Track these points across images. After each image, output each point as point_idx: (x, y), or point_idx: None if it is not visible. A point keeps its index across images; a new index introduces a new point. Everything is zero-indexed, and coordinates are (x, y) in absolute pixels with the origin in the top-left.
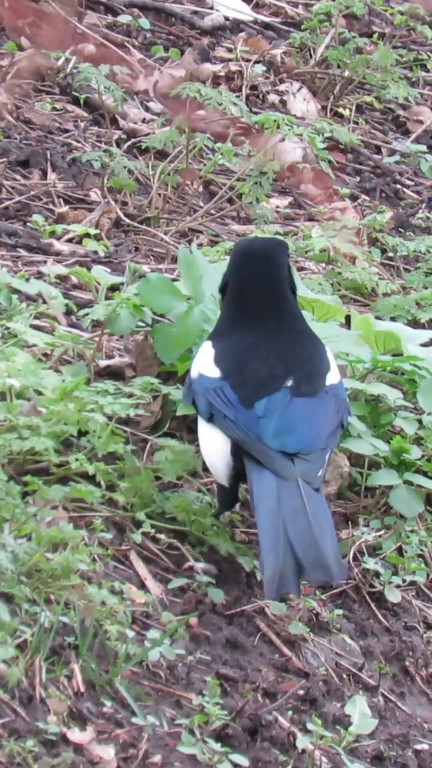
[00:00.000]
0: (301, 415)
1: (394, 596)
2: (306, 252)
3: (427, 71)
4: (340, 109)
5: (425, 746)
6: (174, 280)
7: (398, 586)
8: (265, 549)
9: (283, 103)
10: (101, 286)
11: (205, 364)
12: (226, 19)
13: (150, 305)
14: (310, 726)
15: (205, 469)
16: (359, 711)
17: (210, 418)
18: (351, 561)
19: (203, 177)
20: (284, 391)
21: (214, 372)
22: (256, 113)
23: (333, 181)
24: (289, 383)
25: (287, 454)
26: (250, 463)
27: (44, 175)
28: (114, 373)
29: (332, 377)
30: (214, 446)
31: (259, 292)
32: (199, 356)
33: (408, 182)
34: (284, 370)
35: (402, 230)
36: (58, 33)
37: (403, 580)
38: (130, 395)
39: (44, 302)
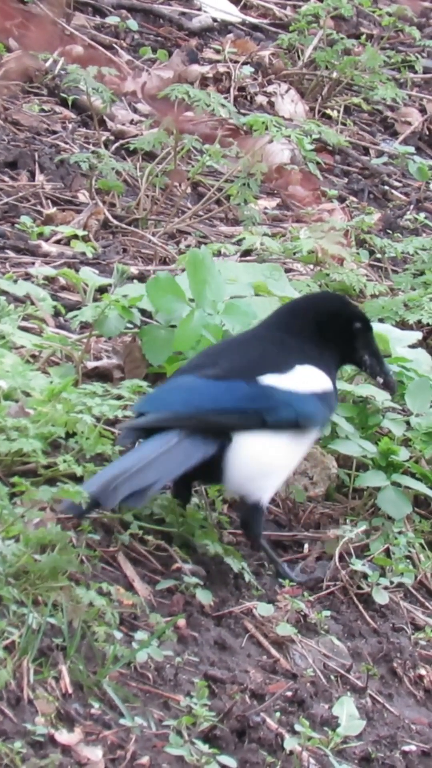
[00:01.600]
0: (182, 388)
1: (381, 598)
2: (294, 253)
3: (415, 72)
4: (328, 111)
5: (413, 747)
6: None
7: (386, 588)
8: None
9: (271, 104)
10: (89, 288)
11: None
12: (214, 20)
13: (154, 304)
14: (297, 727)
15: None
16: (347, 712)
17: None
18: (338, 562)
19: (191, 178)
20: (194, 374)
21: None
22: (244, 115)
23: (321, 183)
24: (208, 371)
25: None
26: None
27: (32, 176)
28: (102, 375)
29: (278, 380)
30: None
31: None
32: None
33: (396, 184)
34: (215, 362)
35: (390, 232)
36: (46, 34)
37: (391, 582)
38: (119, 397)
39: (32, 304)
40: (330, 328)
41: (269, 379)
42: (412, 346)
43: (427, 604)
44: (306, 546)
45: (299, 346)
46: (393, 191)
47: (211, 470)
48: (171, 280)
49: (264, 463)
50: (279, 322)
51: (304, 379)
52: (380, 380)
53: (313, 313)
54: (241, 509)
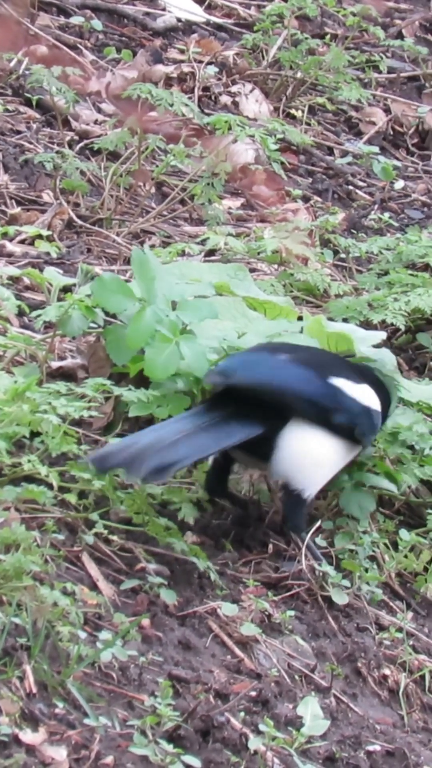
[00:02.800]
0: (268, 364)
1: (340, 598)
2: (258, 253)
3: (380, 72)
4: (293, 111)
5: (377, 747)
6: (127, 281)
7: (345, 588)
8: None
9: (236, 104)
10: (53, 288)
11: None
12: (179, 20)
13: (103, 305)
14: (262, 727)
15: None
16: (311, 712)
17: None
18: (303, 563)
19: (155, 178)
20: (274, 355)
21: None
22: (208, 114)
23: (285, 183)
24: (286, 356)
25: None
26: None
27: None
28: (66, 375)
29: (349, 387)
30: None
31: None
32: None
33: (360, 183)
34: (291, 351)
35: (354, 231)
36: (10, 34)
37: (359, 589)
38: (83, 396)
39: None
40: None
41: (340, 382)
42: (377, 346)
43: (391, 604)
44: (270, 546)
45: (367, 378)
46: (357, 191)
47: (260, 448)
48: (117, 279)
49: (317, 457)
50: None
51: (368, 395)
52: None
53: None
54: (283, 500)
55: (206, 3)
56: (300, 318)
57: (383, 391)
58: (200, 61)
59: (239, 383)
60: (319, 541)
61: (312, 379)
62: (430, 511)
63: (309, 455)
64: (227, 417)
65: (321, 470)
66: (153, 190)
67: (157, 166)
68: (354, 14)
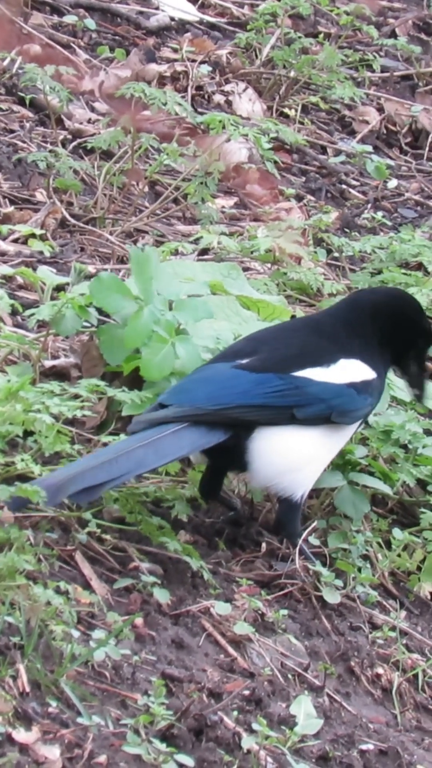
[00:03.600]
0: (207, 378)
1: (333, 598)
2: (251, 252)
3: (373, 71)
4: (286, 110)
5: (370, 746)
6: (121, 280)
7: (338, 588)
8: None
9: (229, 103)
10: (47, 287)
11: None
12: (172, 19)
13: (101, 304)
14: (255, 726)
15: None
16: (304, 711)
17: None
18: (298, 563)
19: (149, 177)
20: (227, 364)
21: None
22: (201, 113)
23: (278, 182)
24: (244, 360)
25: (162, 405)
26: None
27: None
28: (59, 374)
29: (316, 374)
30: None
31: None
32: None
33: (353, 182)
34: (253, 351)
35: (347, 230)
36: (4, 33)
37: (353, 588)
38: (76, 396)
39: None
40: (394, 332)
41: (305, 372)
42: None
43: (384, 603)
44: (263, 545)
45: (350, 341)
46: (350, 190)
47: (232, 458)
48: (115, 279)
49: (292, 458)
50: (341, 313)
51: (345, 371)
52: (416, 392)
53: (384, 315)
54: (276, 506)
55: (199, 2)
56: (293, 317)
57: (388, 345)
58: (193, 60)
59: (170, 418)
60: (312, 540)
61: (267, 382)
62: (423, 510)
63: (286, 458)
64: (181, 429)
65: (305, 470)
66: (146, 189)
67: (150, 165)
68: (347, 13)
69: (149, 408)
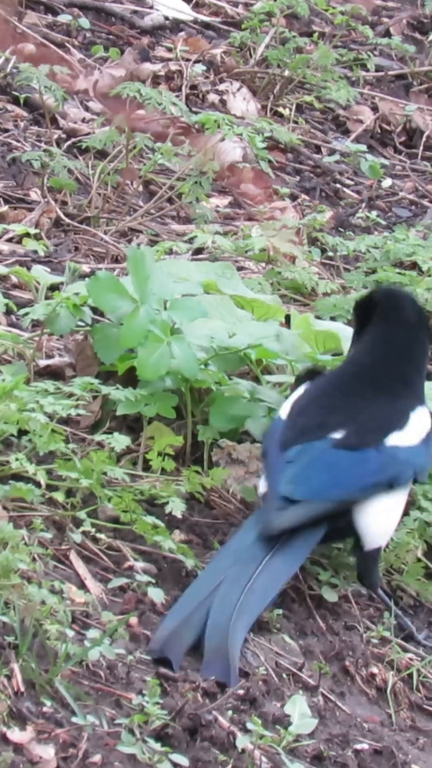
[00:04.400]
0: (325, 465)
1: (331, 596)
2: (246, 252)
3: (368, 71)
4: (280, 109)
5: (365, 746)
6: None
7: (335, 586)
8: (176, 606)
9: (223, 102)
10: (41, 286)
11: (285, 405)
12: (166, 18)
13: (97, 303)
14: (249, 726)
15: (146, 469)
16: (299, 711)
17: (263, 458)
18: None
19: (143, 176)
20: (325, 441)
21: (284, 413)
22: (196, 113)
23: (273, 181)
24: (338, 435)
25: (290, 500)
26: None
27: None
28: (54, 373)
29: (400, 439)
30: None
31: (384, 335)
32: (291, 395)
33: (348, 182)
34: (337, 422)
35: (342, 230)
36: None
37: (347, 586)
38: (70, 395)
39: None
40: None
41: (393, 440)
42: None
43: (379, 602)
44: None
45: (406, 381)
46: (345, 189)
47: (336, 536)
48: (112, 278)
49: (389, 521)
50: (385, 354)
51: (418, 428)
52: None
53: (424, 327)
54: (357, 555)
55: (194, 1)
56: (288, 316)
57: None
58: (188, 60)
59: (311, 518)
60: None
61: (371, 459)
62: (415, 510)
63: (385, 525)
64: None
65: (391, 525)
66: (141, 189)
67: (144, 164)
68: (342, 13)
69: (275, 505)
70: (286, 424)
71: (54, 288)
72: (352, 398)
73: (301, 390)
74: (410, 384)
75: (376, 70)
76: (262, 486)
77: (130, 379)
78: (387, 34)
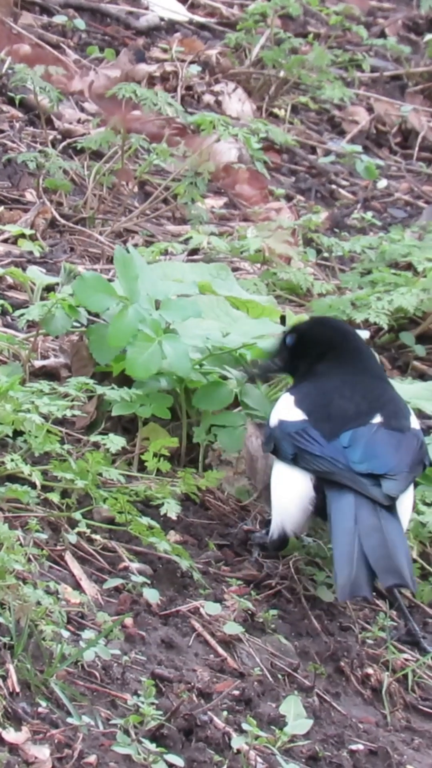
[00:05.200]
0: (386, 444)
1: (326, 596)
2: (241, 252)
3: (363, 71)
4: (276, 110)
5: (360, 746)
6: (110, 280)
7: (331, 587)
8: (338, 562)
9: (219, 103)
10: (36, 287)
11: (285, 410)
12: (162, 19)
13: (85, 304)
14: (245, 726)
15: (142, 470)
16: (294, 711)
17: (293, 459)
18: (291, 564)
19: (138, 177)
20: (370, 426)
21: (296, 415)
22: (191, 114)
23: (268, 182)
24: (377, 419)
25: (374, 476)
26: (331, 492)
27: None
28: (49, 374)
29: (415, 423)
30: (292, 489)
31: (347, 351)
32: (277, 406)
33: (343, 182)
34: (369, 408)
35: (337, 230)
36: None
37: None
38: (66, 395)
39: None
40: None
41: (413, 424)
42: None
43: (374, 602)
44: (254, 547)
45: (387, 380)
46: (340, 190)
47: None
48: (99, 278)
49: (412, 505)
50: (367, 356)
51: (414, 417)
52: None
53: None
54: None
55: (189, 2)
56: (283, 317)
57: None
58: (183, 60)
59: (404, 487)
60: (304, 538)
61: (412, 439)
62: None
63: (409, 510)
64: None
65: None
66: (136, 190)
67: (140, 165)
68: (337, 13)
69: (366, 480)
70: (311, 420)
71: (49, 289)
72: (363, 393)
73: (290, 397)
74: (387, 381)
75: (372, 71)
76: (306, 484)
77: (126, 379)
78: (382, 34)
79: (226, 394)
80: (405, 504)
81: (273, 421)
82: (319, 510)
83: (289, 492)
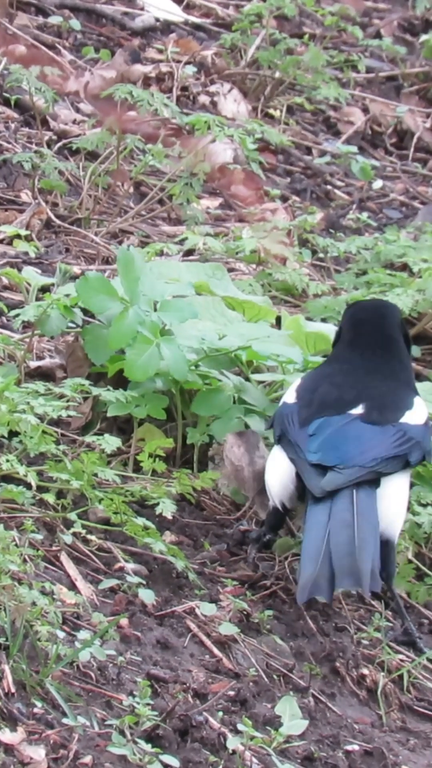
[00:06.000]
0: (352, 436)
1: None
2: (236, 253)
3: (358, 72)
4: (271, 110)
5: (355, 747)
6: None
7: None
8: (304, 559)
9: (214, 104)
10: (32, 287)
11: (289, 393)
12: (157, 20)
13: (87, 304)
14: (240, 727)
15: (137, 471)
16: (290, 712)
17: (279, 440)
18: (287, 565)
19: (134, 178)
20: (346, 416)
21: (292, 399)
22: (186, 114)
23: (263, 182)
24: (358, 410)
25: (323, 467)
26: None
27: None
28: (45, 374)
29: (410, 418)
30: (277, 469)
31: (367, 337)
32: (288, 388)
33: (338, 183)
34: (354, 397)
35: (332, 231)
36: None
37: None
38: (61, 396)
39: None
40: (407, 340)
41: (405, 419)
42: None
43: (369, 603)
44: (249, 547)
45: (403, 372)
46: (335, 191)
47: None
48: (101, 279)
49: (402, 502)
50: (379, 345)
51: (421, 412)
52: None
53: (400, 326)
54: None
55: (184, 2)
56: (278, 318)
57: (408, 357)
58: (178, 61)
59: (352, 481)
60: (300, 535)
61: (389, 432)
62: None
63: (399, 506)
64: (357, 498)
65: (405, 512)
66: (131, 190)
67: (135, 165)
68: (332, 14)
69: (312, 471)
70: (298, 404)
71: (45, 289)
72: (360, 380)
73: (298, 380)
74: (404, 373)
75: (367, 72)
76: (287, 466)
77: (121, 380)
78: (378, 35)
79: (224, 400)
80: (390, 501)
81: (280, 402)
82: (300, 494)
83: (275, 471)
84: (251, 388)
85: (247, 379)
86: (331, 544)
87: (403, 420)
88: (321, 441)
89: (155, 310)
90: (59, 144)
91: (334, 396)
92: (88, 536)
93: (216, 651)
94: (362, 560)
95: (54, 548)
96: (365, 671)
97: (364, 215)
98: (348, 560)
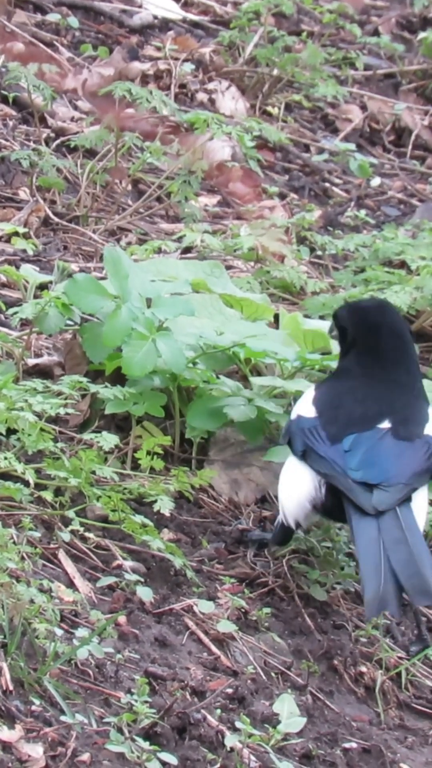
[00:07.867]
0: (388, 452)
1: (320, 595)
2: (234, 251)
3: (356, 69)
4: (269, 108)
5: (353, 745)
6: (102, 278)
7: (324, 585)
8: (365, 576)
9: (212, 101)
10: (30, 285)
11: (304, 406)
12: (155, 17)
13: (77, 305)
14: (238, 724)
15: (135, 468)
16: (288, 709)
17: (303, 456)
18: (284, 563)
19: (132, 175)
20: (376, 431)
21: (311, 412)
22: (185, 112)
23: (261, 180)
24: (386, 424)
25: (368, 485)
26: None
27: None
28: (43, 372)
29: (430, 429)
30: (296, 485)
31: (385, 346)
32: (301, 400)
33: (337, 181)
34: (378, 412)
35: (331, 229)
36: None
37: (335, 585)
38: (59, 394)
39: None
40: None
41: (428, 431)
42: None
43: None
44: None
45: (416, 383)
46: (334, 188)
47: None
48: (90, 279)
49: (426, 512)
50: (391, 348)
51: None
52: None
53: (408, 333)
54: None
55: (182, 0)
56: (276, 316)
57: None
58: (177, 59)
59: (399, 500)
60: (299, 533)
61: (420, 447)
62: None
63: (424, 517)
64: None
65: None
66: (129, 188)
67: (133, 163)
68: (330, 11)
69: (359, 488)
70: (321, 419)
71: (43, 287)
72: (381, 393)
73: (312, 392)
74: (417, 384)
75: (365, 69)
76: (312, 481)
77: (119, 377)
78: (376, 33)
79: (221, 414)
80: (421, 513)
81: (293, 415)
82: (327, 509)
83: (294, 487)
84: (248, 392)
85: (245, 378)
86: (393, 562)
87: (426, 433)
88: (360, 458)
89: (148, 306)
90: (57, 141)
91: (360, 410)
92: (86, 534)
93: (214, 648)
94: (429, 577)
95: (52, 546)
96: (363, 669)
97: (362, 213)
98: (417, 579)
